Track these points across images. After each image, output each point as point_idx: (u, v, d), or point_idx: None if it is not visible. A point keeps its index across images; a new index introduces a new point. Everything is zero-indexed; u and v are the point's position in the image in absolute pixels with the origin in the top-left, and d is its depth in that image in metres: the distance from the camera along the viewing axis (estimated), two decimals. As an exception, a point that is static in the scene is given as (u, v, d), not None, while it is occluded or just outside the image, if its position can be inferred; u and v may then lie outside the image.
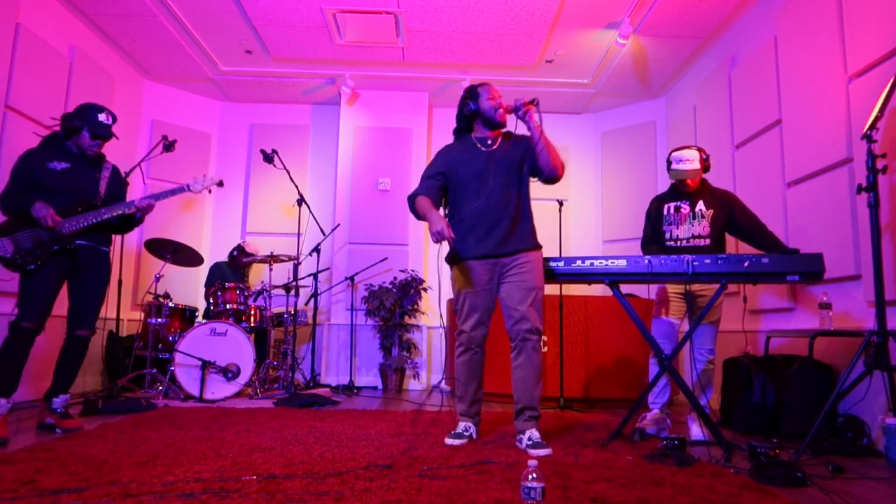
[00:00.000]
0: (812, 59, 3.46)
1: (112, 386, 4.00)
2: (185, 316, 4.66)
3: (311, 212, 5.29)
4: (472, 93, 2.82)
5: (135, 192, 5.15)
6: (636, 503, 1.76)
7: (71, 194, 2.93)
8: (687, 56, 5.07)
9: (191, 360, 4.05)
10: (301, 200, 4.91)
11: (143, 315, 4.55)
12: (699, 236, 3.08)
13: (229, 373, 4.13)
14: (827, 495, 1.94)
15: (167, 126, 5.62)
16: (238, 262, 5.25)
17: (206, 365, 4.05)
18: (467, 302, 2.74)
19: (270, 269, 4.95)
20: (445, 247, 6.19)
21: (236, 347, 4.20)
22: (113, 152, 5.01)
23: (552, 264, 2.85)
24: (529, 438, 2.53)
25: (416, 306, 5.52)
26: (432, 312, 5.88)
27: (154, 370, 4.35)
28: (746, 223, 3.11)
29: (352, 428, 3.05)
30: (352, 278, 5.53)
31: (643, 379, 4.27)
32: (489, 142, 2.80)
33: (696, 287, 3.08)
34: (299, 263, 4.97)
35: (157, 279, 4.53)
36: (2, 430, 2.59)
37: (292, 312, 4.92)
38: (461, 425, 2.75)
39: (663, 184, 5.53)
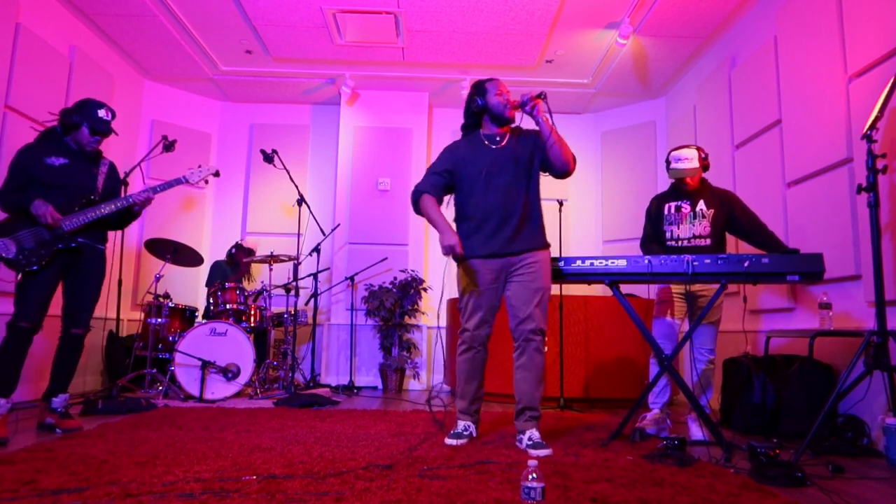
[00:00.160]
0: (812, 59, 3.46)
1: (112, 386, 4.00)
2: (185, 316, 4.66)
3: (311, 212, 5.29)
4: (479, 88, 2.78)
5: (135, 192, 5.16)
6: (636, 503, 1.76)
7: (69, 190, 2.91)
8: (687, 56, 5.07)
9: (191, 360, 4.05)
10: (301, 200, 4.91)
11: (143, 315, 4.55)
12: (700, 236, 3.08)
13: (229, 373, 4.13)
14: (827, 495, 1.94)
15: (167, 126, 5.62)
16: (237, 260, 5.25)
17: (206, 365, 4.05)
18: (472, 301, 2.71)
19: (270, 269, 4.95)
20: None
21: (236, 347, 4.20)
22: (113, 152, 5.03)
23: (559, 264, 2.83)
24: (529, 438, 2.53)
25: (416, 306, 5.52)
26: (432, 312, 5.88)
27: (154, 370, 4.35)
28: (747, 222, 3.11)
29: (352, 428, 3.05)
30: (352, 278, 5.53)
31: (643, 379, 4.27)
32: (497, 138, 2.77)
33: (696, 287, 3.08)
34: (299, 263, 4.97)
35: (157, 279, 4.53)
36: (2, 430, 2.58)
37: (292, 312, 4.92)
38: (461, 424, 2.75)
39: (663, 184, 5.53)
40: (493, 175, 2.69)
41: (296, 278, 4.92)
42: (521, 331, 2.65)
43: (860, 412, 2.85)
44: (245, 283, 5.22)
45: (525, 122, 2.78)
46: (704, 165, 3.13)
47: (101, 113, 3.00)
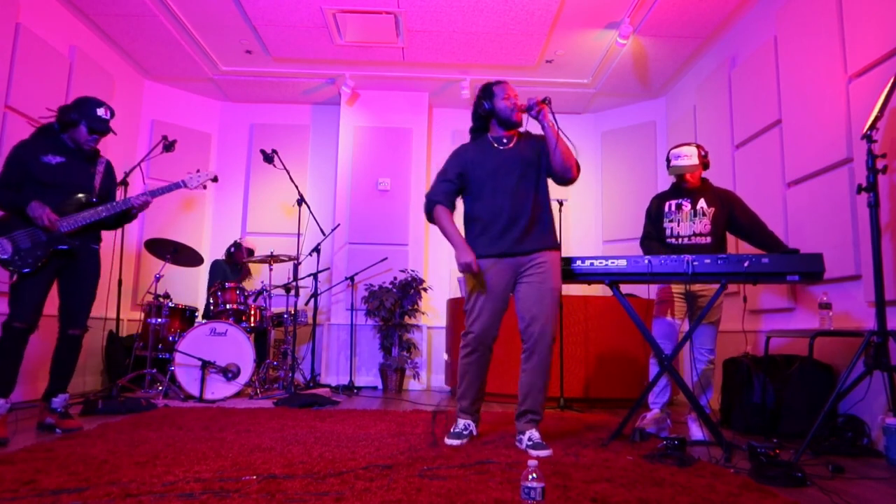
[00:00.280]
0: (812, 59, 3.46)
1: (112, 386, 4.00)
2: (185, 316, 4.66)
3: (311, 212, 5.29)
4: (487, 92, 2.77)
5: (135, 192, 5.16)
6: (636, 503, 1.76)
7: (66, 189, 2.87)
8: (687, 56, 5.08)
9: (191, 360, 4.05)
10: (301, 200, 4.91)
11: (143, 315, 4.55)
12: (700, 234, 3.08)
13: (229, 373, 4.13)
14: (827, 495, 1.94)
15: (167, 126, 5.62)
16: (236, 259, 5.25)
17: (206, 365, 4.05)
18: (479, 302, 2.67)
19: (270, 269, 4.95)
20: (444, 245, 6.19)
21: (236, 347, 4.20)
22: (113, 152, 5.04)
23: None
24: (530, 439, 2.53)
25: (416, 306, 5.52)
26: (432, 312, 5.89)
27: (154, 370, 4.35)
28: (747, 222, 3.11)
29: (352, 428, 3.05)
30: (352, 278, 5.53)
31: (643, 379, 4.27)
32: (505, 140, 2.77)
33: (696, 287, 3.08)
34: (299, 263, 4.97)
35: (157, 279, 4.53)
36: (1, 430, 2.58)
37: (292, 312, 4.92)
38: (461, 423, 2.74)
39: (663, 184, 5.53)
40: (500, 176, 2.68)
41: (296, 278, 4.92)
42: (530, 333, 2.60)
43: (860, 412, 2.85)
44: (245, 283, 5.22)
45: (534, 128, 2.77)
46: (704, 163, 3.14)
47: (100, 112, 2.95)
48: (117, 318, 4.39)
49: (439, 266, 6.13)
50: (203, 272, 5.41)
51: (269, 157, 4.90)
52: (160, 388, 4.25)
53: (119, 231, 4.43)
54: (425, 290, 5.62)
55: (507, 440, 2.72)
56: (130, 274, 5.31)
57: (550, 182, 2.79)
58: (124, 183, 4.34)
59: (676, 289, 3.13)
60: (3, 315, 2.78)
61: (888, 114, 2.80)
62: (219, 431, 2.85)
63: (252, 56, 5.34)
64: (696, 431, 2.99)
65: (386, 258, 5.67)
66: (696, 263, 2.69)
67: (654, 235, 3.22)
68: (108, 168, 3.16)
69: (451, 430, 2.73)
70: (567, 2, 4.40)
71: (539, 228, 2.68)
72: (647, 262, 2.76)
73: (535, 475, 1.59)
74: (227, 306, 4.61)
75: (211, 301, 4.70)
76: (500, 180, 2.68)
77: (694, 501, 1.79)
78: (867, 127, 2.42)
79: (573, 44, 5.03)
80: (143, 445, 2.45)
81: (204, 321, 4.35)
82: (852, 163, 3.12)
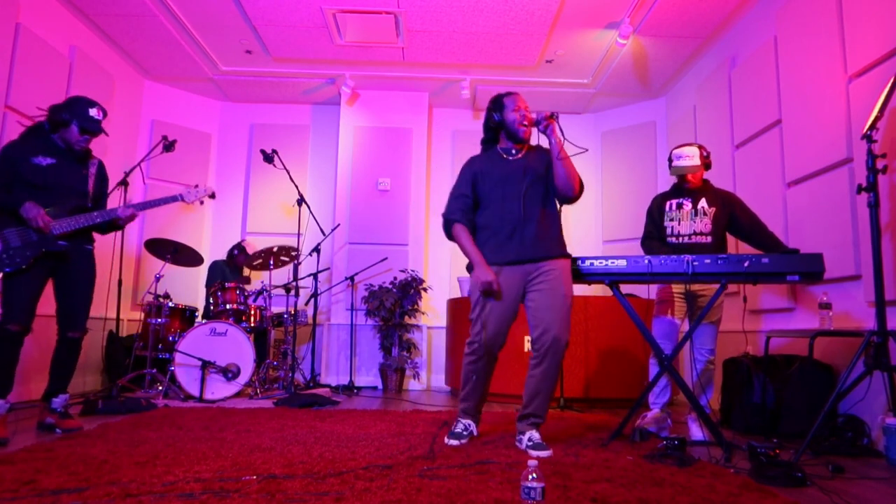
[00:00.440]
0: (812, 59, 3.46)
1: (112, 386, 4.00)
2: (185, 316, 4.66)
3: (311, 212, 5.29)
4: (497, 103, 2.78)
5: (135, 193, 5.17)
6: (636, 503, 1.76)
7: (59, 191, 2.83)
8: (687, 56, 5.07)
9: (191, 360, 4.05)
10: (301, 200, 4.91)
11: (143, 315, 4.55)
12: (701, 233, 3.08)
13: (229, 373, 4.13)
14: (827, 495, 1.94)
15: (167, 126, 5.62)
16: (238, 262, 5.25)
17: (206, 365, 4.05)
18: (485, 311, 2.64)
19: (271, 270, 4.95)
20: (444, 245, 6.17)
21: (236, 347, 4.20)
22: (113, 152, 5.04)
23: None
24: (530, 439, 2.52)
25: (416, 306, 5.52)
26: (432, 312, 5.89)
27: (154, 370, 4.35)
28: (748, 223, 3.11)
29: (352, 428, 3.05)
30: (352, 278, 5.53)
31: (643, 379, 4.27)
32: (514, 152, 2.77)
33: (696, 287, 3.09)
34: (299, 263, 4.97)
35: (157, 279, 4.53)
36: (1, 430, 2.58)
37: (292, 312, 4.92)
38: (461, 423, 2.74)
39: (663, 184, 5.54)
40: (508, 185, 2.68)
41: (296, 278, 4.92)
42: (543, 341, 2.56)
43: (860, 412, 2.85)
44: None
45: (543, 142, 2.76)
46: (706, 164, 3.14)
47: (93, 112, 2.90)
48: (117, 318, 4.39)
49: (439, 266, 6.13)
50: (204, 272, 5.41)
51: (269, 157, 4.90)
52: (160, 388, 4.25)
53: (119, 231, 4.44)
54: (425, 290, 5.62)
55: (507, 440, 2.72)
56: (130, 274, 5.31)
57: (561, 201, 2.77)
58: (124, 183, 4.34)
59: (677, 289, 3.13)
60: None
61: (888, 114, 2.80)
62: (219, 431, 2.85)
63: (252, 56, 5.34)
64: (696, 431, 2.99)
65: (386, 258, 5.67)
66: (696, 263, 2.69)
67: (655, 235, 3.22)
68: (101, 169, 3.10)
69: (452, 429, 2.73)
70: (567, 2, 4.40)
71: (548, 237, 2.67)
72: (647, 262, 2.76)
73: (535, 475, 1.59)
74: (227, 306, 4.61)
75: (211, 301, 4.70)
76: (508, 188, 2.68)
77: (694, 501, 1.79)
78: (867, 127, 2.42)
79: (573, 44, 5.03)
80: (143, 445, 2.45)
81: (204, 321, 4.35)
82: (852, 163, 3.12)
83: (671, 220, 3.17)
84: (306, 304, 5.38)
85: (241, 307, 4.65)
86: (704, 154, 3.14)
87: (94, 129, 2.91)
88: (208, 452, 2.32)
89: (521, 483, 1.61)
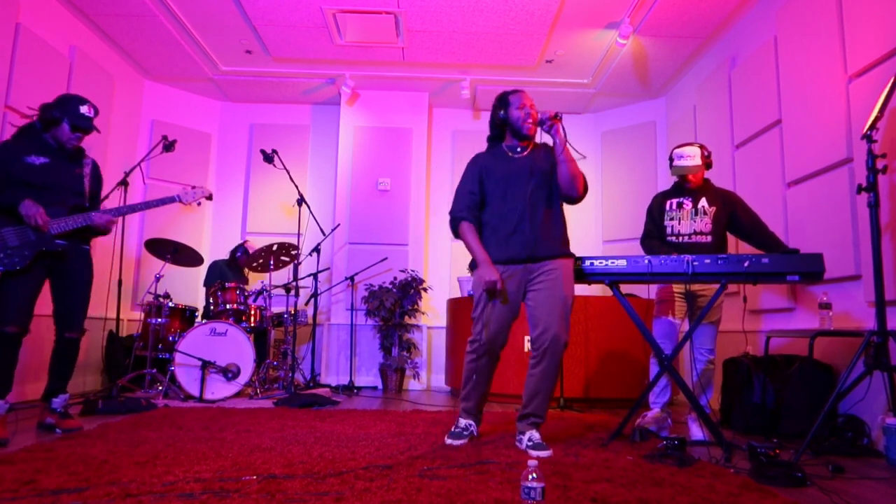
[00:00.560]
0: (812, 59, 3.46)
1: (112, 386, 4.00)
2: (185, 316, 4.66)
3: (311, 212, 5.29)
4: (502, 101, 2.77)
5: (135, 193, 5.16)
6: (636, 503, 1.76)
7: (54, 191, 2.80)
8: (687, 56, 5.07)
9: (191, 360, 4.05)
10: (301, 200, 4.91)
11: (143, 315, 4.55)
12: (701, 232, 3.09)
13: (229, 373, 4.13)
14: (827, 495, 1.94)
15: (167, 126, 5.62)
16: (240, 263, 5.26)
17: (206, 365, 4.05)
18: (487, 310, 2.64)
19: (270, 270, 4.95)
20: (444, 245, 6.17)
21: (236, 347, 4.20)
22: (113, 152, 5.04)
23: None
24: (530, 439, 2.52)
25: (416, 306, 5.52)
26: (432, 312, 5.89)
27: (154, 370, 4.35)
28: (748, 222, 3.11)
29: (352, 428, 3.05)
30: (352, 278, 5.53)
31: (643, 379, 4.28)
32: (519, 149, 2.76)
33: (696, 287, 3.09)
34: (299, 263, 4.97)
35: (157, 279, 4.53)
36: (1, 430, 2.58)
37: (292, 312, 4.92)
38: (462, 423, 2.73)
39: (663, 184, 5.53)
40: (512, 182, 2.67)
41: (296, 278, 4.92)
42: (542, 341, 2.56)
43: (860, 412, 2.85)
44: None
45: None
46: (707, 163, 3.15)
47: (84, 109, 2.87)
48: (117, 318, 4.39)
49: (439, 266, 6.13)
50: (204, 272, 5.41)
51: (269, 157, 4.90)
52: (160, 388, 4.25)
53: (119, 231, 4.44)
54: (425, 290, 5.62)
55: (507, 440, 2.72)
56: (130, 274, 5.32)
57: (566, 201, 2.75)
58: (124, 183, 4.34)
59: (677, 288, 3.13)
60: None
61: (888, 114, 2.80)
62: (219, 431, 2.85)
63: (252, 56, 5.34)
64: (696, 431, 2.99)
65: (386, 258, 5.67)
66: (696, 263, 2.69)
67: (654, 234, 3.22)
68: (95, 169, 3.08)
69: (452, 429, 2.73)
70: (567, 2, 4.40)
71: (551, 237, 2.66)
72: (647, 262, 2.76)
73: (535, 475, 1.59)
74: (227, 306, 4.61)
75: (211, 301, 4.70)
76: (512, 187, 2.67)
77: (694, 501, 1.79)
78: (867, 127, 2.42)
79: (573, 44, 5.03)
80: (143, 445, 2.45)
81: (204, 321, 4.35)
82: (852, 163, 3.12)
83: (671, 219, 3.17)
84: (306, 304, 5.38)
85: (241, 307, 4.65)
86: (705, 154, 3.14)
87: (85, 126, 2.88)
88: (208, 452, 2.32)
89: (521, 483, 1.61)
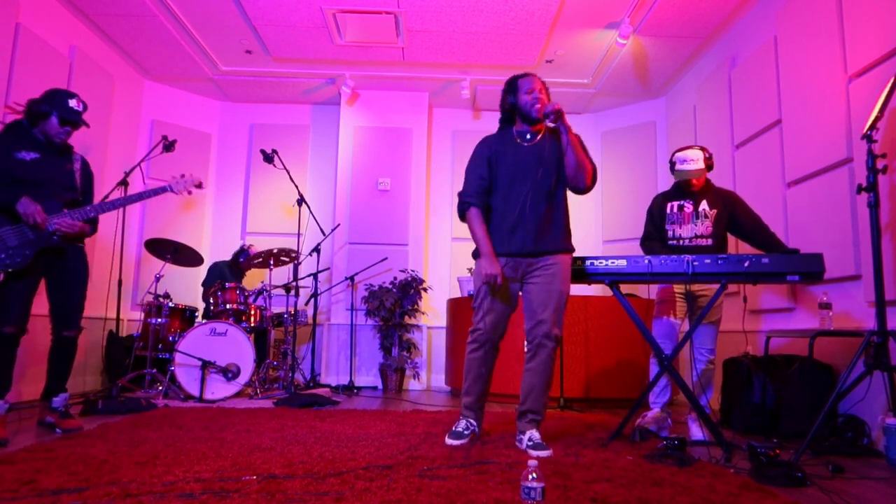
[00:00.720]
0: (812, 59, 3.46)
1: (112, 386, 4.00)
2: (185, 316, 4.65)
3: (311, 212, 5.29)
4: (511, 85, 2.72)
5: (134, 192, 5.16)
6: (636, 503, 1.76)
7: (45, 187, 2.78)
8: (687, 56, 5.07)
9: (191, 360, 4.05)
10: (301, 200, 4.91)
11: (143, 315, 4.54)
12: (702, 236, 3.08)
13: (229, 373, 4.13)
14: (827, 495, 1.94)
15: (167, 126, 5.62)
16: (243, 268, 5.28)
17: (206, 365, 4.05)
18: (486, 300, 2.65)
19: (271, 269, 4.95)
20: (444, 245, 6.16)
21: (236, 347, 4.20)
22: (113, 152, 5.05)
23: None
24: (530, 439, 2.52)
25: (416, 306, 5.52)
26: (432, 312, 5.89)
27: (154, 370, 4.35)
28: (749, 223, 3.11)
29: (352, 428, 3.05)
30: (352, 278, 5.53)
31: (643, 379, 4.27)
32: (528, 136, 2.71)
33: (696, 287, 3.09)
34: (299, 263, 4.97)
35: (157, 279, 4.53)
36: (1, 430, 2.58)
37: (292, 312, 4.92)
38: (462, 423, 2.72)
39: (663, 184, 5.53)
40: (518, 174, 2.65)
41: (296, 278, 4.92)
42: (534, 334, 2.60)
43: (860, 412, 2.85)
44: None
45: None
46: (709, 165, 3.14)
47: (72, 103, 2.85)
48: (117, 318, 4.39)
49: (439, 266, 6.13)
50: (204, 272, 5.41)
51: (269, 157, 4.90)
52: (160, 388, 4.25)
53: (119, 231, 4.45)
54: (425, 290, 5.62)
55: (507, 440, 2.72)
56: (130, 274, 5.32)
57: (574, 191, 2.75)
58: (124, 183, 4.34)
59: (677, 289, 3.13)
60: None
61: (888, 114, 2.80)
62: (219, 431, 2.85)
63: (252, 56, 5.34)
64: (696, 431, 2.99)
65: (386, 258, 5.67)
66: (696, 263, 2.69)
67: (654, 236, 3.22)
68: (85, 165, 3.06)
69: (453, 429, 2.72)
70: (567, 2, 4.40)
71: (552, 231, 2.66)
72: (647, 262, 2.76)
73: (535, 475, 1.59)
74: (227, 306, 4.61)
75: (211, 301, 4.70)
76: (519, 175, 2.65)
77: (694, 501, 1.79)
78: (867, 127, 2.42)
79: (573, 44, 5.03)
80: (143, 445, 2.45)
81: (204, 321, 4.35)
82: (852, 163, 3.12)
83: (672, 223, 3.16)
84: (306, 304, 5.38)
85: (241, 307, 4.65)
86: (707, 156, 3.13)
87: (74, 119, 2.86)
88: (208, 452, 2.32)
89: (521, 483, 1.60)
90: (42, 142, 2.85)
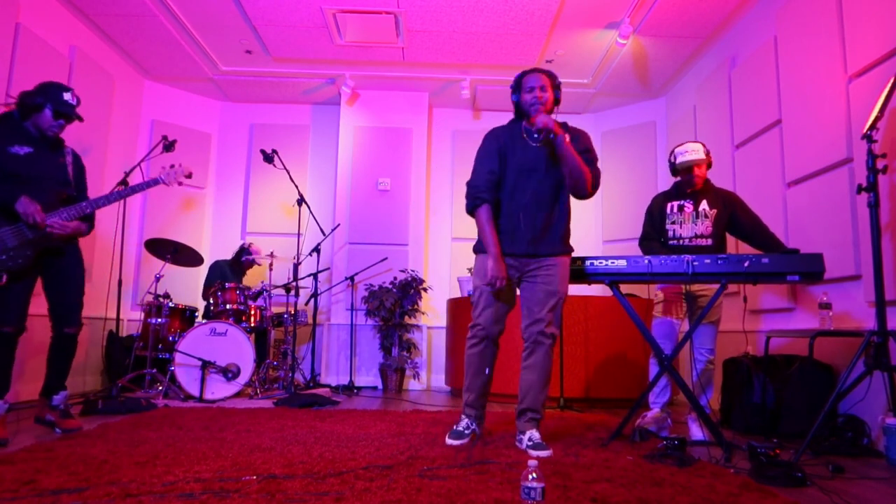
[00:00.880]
0: (812, 59, 3.46)
1: (112, 386, 4.00)
2: (185, 316, 4.66)
3: (311, 212, 5.29)
4: (516, 83, 2.71)
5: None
6: (636, 503, 1.76)
7: (39, 181, 2.73)
8: (687, 56, 5.07)
9: (191, 360, 4.05)
10: (301, 200, 4.91)
11: (143, 315, 4.55)
12: (702, 236, 3.08)
13: (229, 373, 4.13)
14: (827, 495, 1.94)
15: (167, 126, 5.62)
16: (244, 268, 5.28)
17: (206, 365, 4.05)
18: (484, 296, 2.65)
19: (270, 270, 4.95)
20: (444, 245, 6.15)
21: (236, 347, 4.20)
22: (113, 152, 5.04)
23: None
24: (530, 439, 2.53)
25: (416, 306, 5.52)
26: (432, 312, 5.89)
27: (154, 370, 4.35)
28: (749, 224, 3.11)
29: (352, 428, 3.05)
30: (352, 278, 5.53)
31: (643, 379, 4.27)
32: (536, 135, 2.68)
33: (696, 287, 3.09)
34: (299, 263, 4.97)
35: (157, 279, 4.53)
36: (1, 430, 2.57)
37: (292, 312, 4.92)
38: (463, 422, 2.72)
39: (663, 184, 5.53)
40: (523, 174, 2.65)
41: (296, 278, 4.92)
42: (531, 332, 2.61)
43: (860, 412, 2.85)
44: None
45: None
46: (708, 162, 3.14)
47: (67, 96, 2.80)
48: (117, 318, 4.39)
49: (439, 266, 6.13)
50: (204, 272, 5.41)
51: (269, 157, 4.90)
52: (160, 388, 4.25)
53: (119, 231, 4.45)
54: (425, 290, 5.62)
55: (507, 440, 2.72)
56: (130, 274, 5.31)
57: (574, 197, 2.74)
58: (124, 183, 4.34)
59: (677, 288, 3.13)
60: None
61: (888, 114, 2.80)
62: (219, 431, 2.85)
63: (252, 56, 5.34)
64: (696, 431, 2.99)
65: (386, 258, 5.67)
66: (696, 263, 2.69)
67: (653, 236, 3.22)
68: (77, 158, 3.01)
69: (453, 428, 2.72)
70: (567, 2, 4.40)
71: (553, 232, 2.66)
72: (647, 262, 2.76)
73: (535, 475, 1.59)
74: (227, 306, 4.61)
75: (211, 301, 4.70)
76: (523, 178, 2.64)
77: (694, 501, 1.79)
78: (867, 127, 2.42)
79: (573, 44, 5.03)
80: (143, 445, 2.45)
81: (204, 321, 4.35)
82: (852, 163, 3.12)
83: (672, 223, 3.16)
84: (306, 304, 5.38)
85: (241, 307, 4.65)
86: (706, 151, 3.14)
87: (68, 112, 2.82)
88: (208, 452, 2.32)
89: (521, 483, 1.60)
90: (35, 135, 2.80)
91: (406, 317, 5.50)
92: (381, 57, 5.33)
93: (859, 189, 2.46)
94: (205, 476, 1.94)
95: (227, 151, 6.26)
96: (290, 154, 5.84)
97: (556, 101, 2.70)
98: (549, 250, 2.64)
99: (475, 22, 4.67)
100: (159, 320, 4.40)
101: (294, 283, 4.90)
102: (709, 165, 3.16)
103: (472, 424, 2.73)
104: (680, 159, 3.13)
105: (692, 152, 3.10)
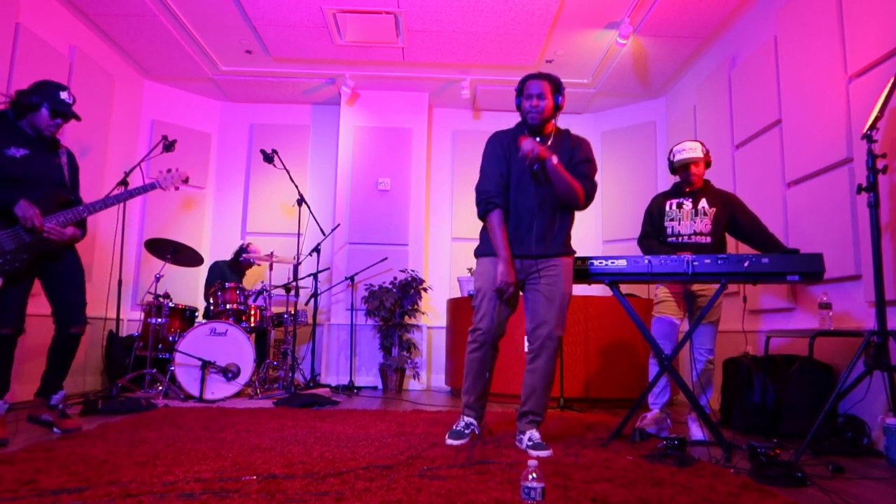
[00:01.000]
0: (812, 59, 3.46)
1: (112, 386, 4.00)
2: (185, 316, 4.66)
3: (311, 212, 5.29)
4: (519, 87, 2.70)
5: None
6: (636, 503, 1.76)
7: (36, 183, 2.71)
8: (687, 56, 5.07)
9: (191, 360, 4.05)
10: (301, 200, 4.91)
11: (143, 315, 4.55)
12: (701, 233, 3.09)
13: (229, 373, 4.13)
14: (827, 495, 1.94)
15: (167, 126, 5.62)
16: (243, 268, 5.27)
17: (206, 365, 4.05)
18: (485, 299, 2.64)
19: (270, 269, 4.95)
20: (444, 245, 6.15)
21: (236, 347, 4.20)
22: (113, 152, 5.04)
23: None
24: (530, 439, 2.52)
25: (416, 306, 5.52)
26: (432, 312, 5.89)
27: (154, 370, 4.35)
28: (748, 224, 3.11)
29: (352, 428, 3.05)
30: (352, 278, 5.53)
31: (643, 379, 4.27)
32: (539, 139, 2.69)
33: (696, 287, 3.09)
34: (299, 263, 4.97)
35: (157, 279, 4.53)
36: (1, 430, 2.57)
37: (292, 312, 4.92)
38: (463, 422, 2.72)
39: (663, 184, 5.53)
40: (527, 177, 2.64)
41: (296, 278, 4.92)
42: (536, 335, 2.60)
43: (860, 412, 2.85)
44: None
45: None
46: (707, 161, 3.15)
47: (63, 95, 2.78)
48: (117, 318, 4.39)
49: (439, 266, 6.13)
50: (204, 272, 5.41)
51: (269, 157, 4.90)
52: (160, 388, 4.25)
53: (119, 231, 4.44)
54: (425, 290, 5.62)
55: (507, 440, 2.72)
56: (130, 274, 5.31)
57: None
58: (124, 183, 4.34)
59: (677, 288, 3.13)
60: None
61: (888, 114, 2.80)
62: (219, 431, 2.85)
63: (252, 56, 5.34)
64: (696, 431, 2.99)
65: (386, 258, 5.67)
66: (696, 263, 2.69)
67: (652, 235, 3.22)
68: (71, 158, 2.99)
69: (453, 428, 2.72)
70: (567, 2, 4.40)
71: (555, 234, 2.66)
72: (647, 262, 2.76)
73: (535, 475, 1.59)
74: (227, 306, 4.61)
75: (211, 301, 4.70)
76: (525, 181, 2.64)
77: (694, 501, 1.79)
78: (867, 127, 2.42)
79: (573, 44, 5.03)
80: (143, 445, 2.45)
81: (204, 321, 4.35)
82: (852, 163, 3.12)
83: (671, 219, 3.17)
84: (306, 304, 5.38)
85: (241, 307, 4.65)
86: (705, 150, 3.15)
87: (65, 111, 2.78)
88: (208, 452, 2.32)
89: (521, 483, 1.60)
90: (31, 136, 2.76)
91: (406, 317, 5.50)
92: (381, 57, 5.33)
93: (859, 189, 2.46)
94: (205, 476, 1.94)
95: (227, 151, 6.26)
96: (290, 154, 5.84)
97: (558, 107, 2.69)
98: (552, 251, 2.64)
99: (475, 22, 4.67)
100: (159, 320, 4.40)
101: (294, 283, 4.90)
102: (708, 165, 3.16)
103: (471, 424, 2.73)
104: (678, 157, 3.14)
105: (690, 150, 3.11)
